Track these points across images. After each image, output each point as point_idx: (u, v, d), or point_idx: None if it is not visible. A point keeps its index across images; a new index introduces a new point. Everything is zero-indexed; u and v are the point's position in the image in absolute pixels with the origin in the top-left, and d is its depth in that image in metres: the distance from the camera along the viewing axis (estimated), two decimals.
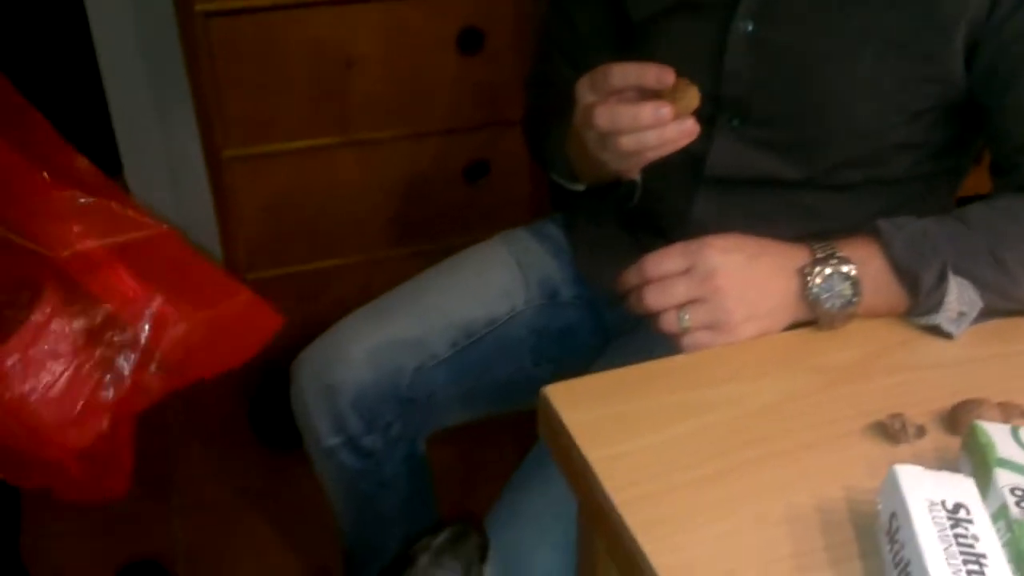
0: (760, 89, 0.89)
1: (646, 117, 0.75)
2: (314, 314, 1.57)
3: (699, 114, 0.93)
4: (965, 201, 0.84)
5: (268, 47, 1.50)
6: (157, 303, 1.02)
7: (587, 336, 1.11)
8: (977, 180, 1.01)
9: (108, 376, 1.00)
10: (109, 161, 2.10)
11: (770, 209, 0.94)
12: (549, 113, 1.05)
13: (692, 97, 0.75)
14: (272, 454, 1.79)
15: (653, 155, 0.78)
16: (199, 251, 1.18)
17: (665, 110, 0.74)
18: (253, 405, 1.84)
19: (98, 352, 0.99)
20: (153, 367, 1.03)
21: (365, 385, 1.04)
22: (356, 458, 1.09)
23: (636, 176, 0.86)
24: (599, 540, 0.69)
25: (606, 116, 0.76)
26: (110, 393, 1.00)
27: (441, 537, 0.72)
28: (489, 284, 1.09)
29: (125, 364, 1.01)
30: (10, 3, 2.00)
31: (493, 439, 1.56)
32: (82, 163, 1.15)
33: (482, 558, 0.73)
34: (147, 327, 1.01)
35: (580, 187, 1.05)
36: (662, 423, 0.66)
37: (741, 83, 0.89)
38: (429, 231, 1.77)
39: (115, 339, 1.00)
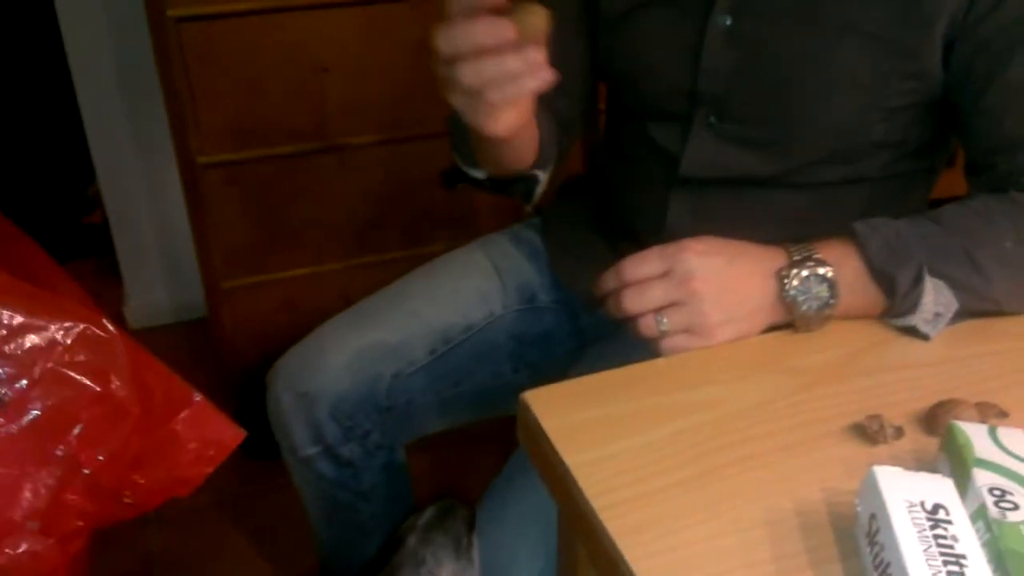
0: (738, 85, 0.89)
1: (483, 35, 0.65)
2: (292, 322, 1.57)
3: (676, 111, 0.94)
4: (939, 203, 0.84)
5: (242, 53, 1.49)
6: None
7: (565, 341, 1.11)
8: (951, 181, 1.02)
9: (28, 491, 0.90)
10: (81, 170, 2.09)
11: (745, 211, 0.94)
12: None
13: (538, 17, 0.66)
14: (250, 462, 1.77)
15: (498, 97, 0.67)
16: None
17: (504, 27, 0.65)
18: (233, 414, 1.82)
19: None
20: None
21: (342, 393, 1.03)
22: (334, 467, 1.08)
23: (499, 132, 0.74)
24: (580, 545, 0.69)
25: (444, 36, 0.66)
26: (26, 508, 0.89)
27: (427, 515, 0.71)
28: (467, 289, 1.09)
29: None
30: None
31: (472, 446, 1.55)
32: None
33: (470, 528, 0.71)
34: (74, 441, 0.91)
35: (480, 174, 0.98)
36: (641, 427, 0.65)
37: (719, 79, 0.89)
38: (407, 237, 1.76)
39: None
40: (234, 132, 1.55)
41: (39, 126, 2.27)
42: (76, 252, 2.36)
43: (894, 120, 0.87)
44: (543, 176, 0.99)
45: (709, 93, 0.90)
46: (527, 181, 0.99)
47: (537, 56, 0.66)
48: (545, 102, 1.03)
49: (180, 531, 1.64)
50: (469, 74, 0.66)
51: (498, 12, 0.66)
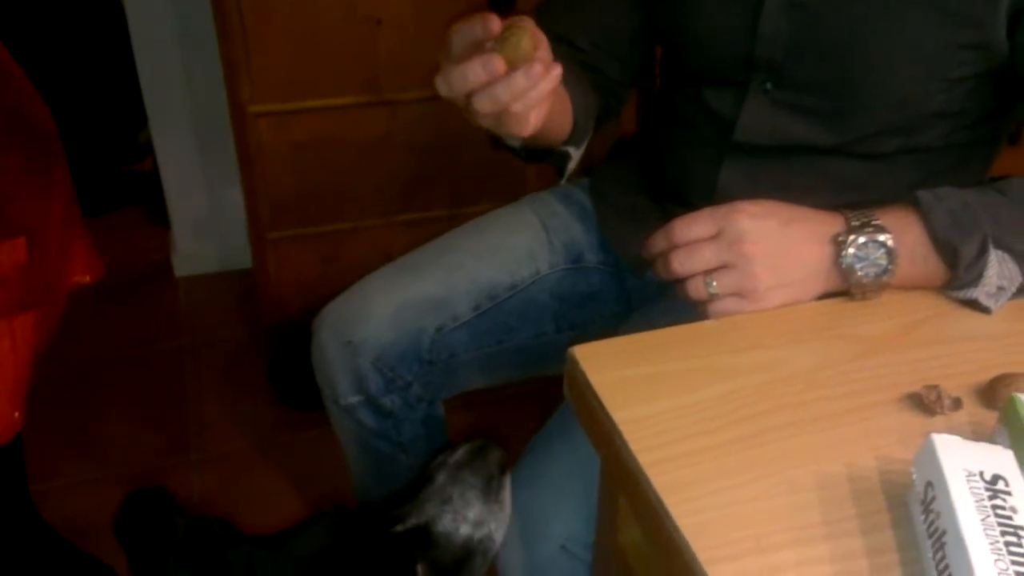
0: (796, 52, 0.87)
1: (475, 75, 0.67)
2: (335, 274, 1.58)
3: (732, 77, 0.92)
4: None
5: (298, 2, 1.49)
6: None
7: (610, 303, 1.10)
8: (1017, 160, 0.99)
9: None
10: (132, 117, 2.11)
11: (799, 178, 0.92)
12: None
13: (518, 42, 0.67)
14: (289, 411, 1.80)
15: (521, 108, 0.70)
16: None
17: (495, 62, 0.67)
18: (274, 363, 1.84)
19: None
20: None
21: (386, 344, 1.03)
22: (375, 417, 1.08)
23: (531, 132, 0.75)
24: (622, 502, 0.69)
25: (442, 83, 0.70)
26: None
27: (459, 453, 0.70)
28: (514, 247, 1.08)
29: None
30: None
31: (512, 405, 1.56)
32: None
33: (502, 471, 0.71)
34: None
35: (515, 143, 0.95)
36: (690, 386, 0.65)
37: (777, 46, 0.87)
38: (452, 195, 1.76)
39: None
40: (286, 82, 1.55)
41: (92, 72, 2.28)
42: (125, 199, 2.39)
43: (954, 91, 0.84)
44: (576, 153, 0.98)
45: (766, 59, 0.88)
46: (559, 155, 0.98)
47: (537, 67, 0.67)
48: (592, 67, 1.02)
49: (219, 477, 1.67)
50: (485, 103, 0.69)
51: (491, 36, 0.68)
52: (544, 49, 0.70)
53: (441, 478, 0.70)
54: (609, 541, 0.74)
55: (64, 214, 1.11)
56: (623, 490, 0.63)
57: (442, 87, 0.70)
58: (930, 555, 0.50)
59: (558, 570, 0.84)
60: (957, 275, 0.73)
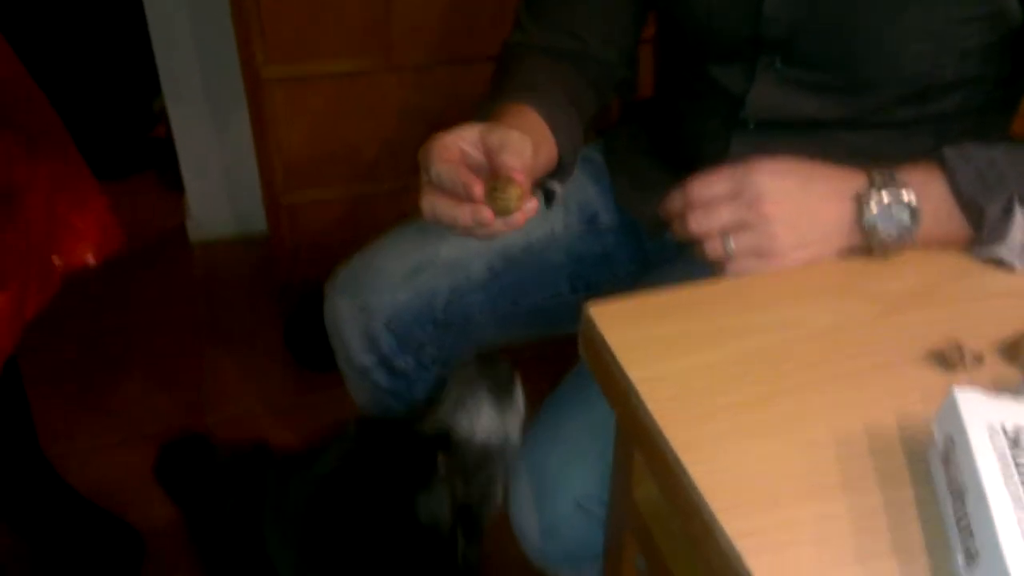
0: (803, 31, 0.85)
1: (464, 219, 0.73)
2: (350, 237, 1.57)
3: (739, 55, 0.90)
4: None
5: None
6: None
7: (626, 263, 1.09)
8: None
9: None
10: (147, 84, 2.10)
11: (812, 149, 0.90)
12: (496, 84, 0.98)
13: (511, 198, 0.72)
14: (306, 373, 1.80)
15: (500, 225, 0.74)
16: None
17: (484, 214, 0.72)
18: (289, 325, 1.85)
19: None
20: None
21: (399, 305, 1.03)
22: (388, 378, 1.08)
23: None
24: (638, 459, 0.69)
25: (428, 208, 0.75)
26: None
27: (469, 367, 0.72)
28: None
29: None
30: None
31: (526, 367, 1.55)
32: None
33: (511, 376, 0.72)
34: None
35: None
36: (707, 345, 0.64)
37: (782, 25, 0.86)
38: None
39: None
40: (299, 46, 1.54)
41: (106, 39, 2.27)
42: (140, 165, 2.39)
43: (967, 61, 0.83)
44: (560, 187, 0.95)
45: (773, 39, 0.87)
46: (544, 190, 0.95)
47: (518, 218, 0.74)
48: (592, 58, 1.00)
49: (235, 437, 1.68)
50: (461, 232, 0.75)
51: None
52: (530, 201, 0.74)
53: (455, 391, 0.72)
54: (624, 498, 0.74)
55: (54, 182, 1.08)
56: (639, 447, 0.62)
57: (427, 210, 0.75)
58: (950, 510, 0.49)
59: (573, 527, 0.84)
60: (981, 234, 0.71)
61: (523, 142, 0.74)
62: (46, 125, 1.12)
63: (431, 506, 0.64)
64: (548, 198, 0.96)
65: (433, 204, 0.75)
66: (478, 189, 0.72)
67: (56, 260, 1.08)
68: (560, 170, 0.91)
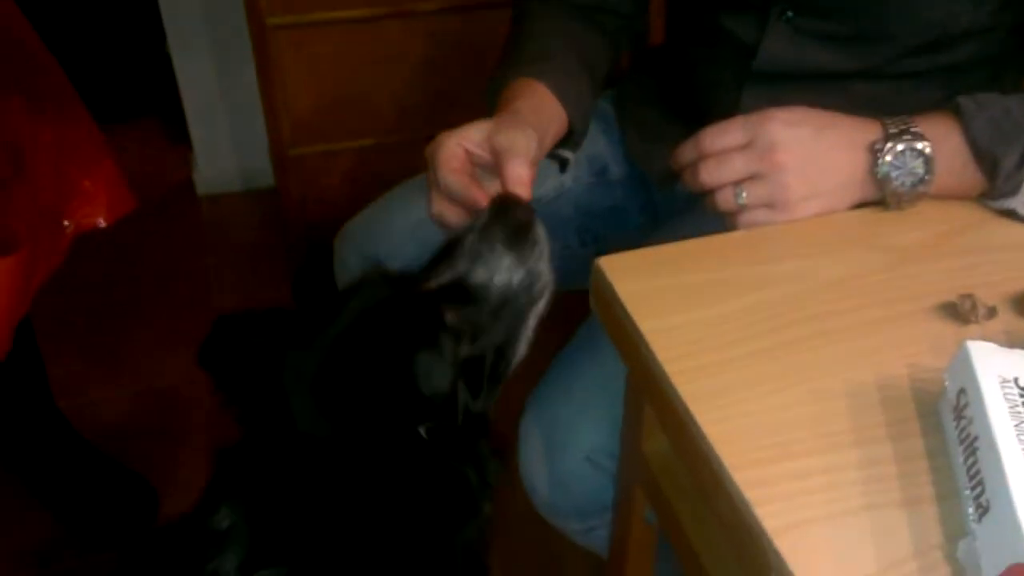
0: None
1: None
2: (358, 191, 1.57)
3: (751, 3, 0.88)
4: None
5: None
6: None
7: (635, 216, 1.08)
8: None
9: None
10: (152, 31, 2.07)
11: (824, 100, 0.89)
12: (509, 49, 0.98)
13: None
14: None
15: None
16: None
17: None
18: (297, 279, 1.85)
19: None
20: None
21: (408, 259, 1.02)
22: None
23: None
24: (648, 411, 0.69)
25: (437, 215, 0.77)
26: None
27: (484, 215, 0.72)
28: None
29: None
30: None
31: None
32: None
33: (529, 217, 0.73)
34: None
35: None
36: (719, 296, 0.64)
37: None
38: (475, 109, 1.72)
39: None
40: None
41: None
42: (148, 108, 2.35)
43: (981, 9, 0.81)
44: (572, 155, 0.95)
45: None
46: (557, 157, 0.95)
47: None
48: (605, 9, 0.99)
49: None
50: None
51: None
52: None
53: (471, 239, 0.71)
54: (634, 451, 0.74)
55: (64, 146, 1.08)
56: (649, 400, 0.63)
57: (435, 216, 0.77)
58: (961, 460, 0.49)
59: (583, 480, 0.84)
60: (996, 185, 0.71)
61: (528, 141, 0.76)
62: (55, 88, 1.11)
63: (429, 363, 0.64)
64: (561, 165, 0.96)
65: (441, 211, 0.77)
66: (485, 203, 0.73)
67: (67, 223, 1.08)
68: (571, 138, 0.92)
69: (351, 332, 0.66)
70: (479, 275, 0.71)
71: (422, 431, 0.63)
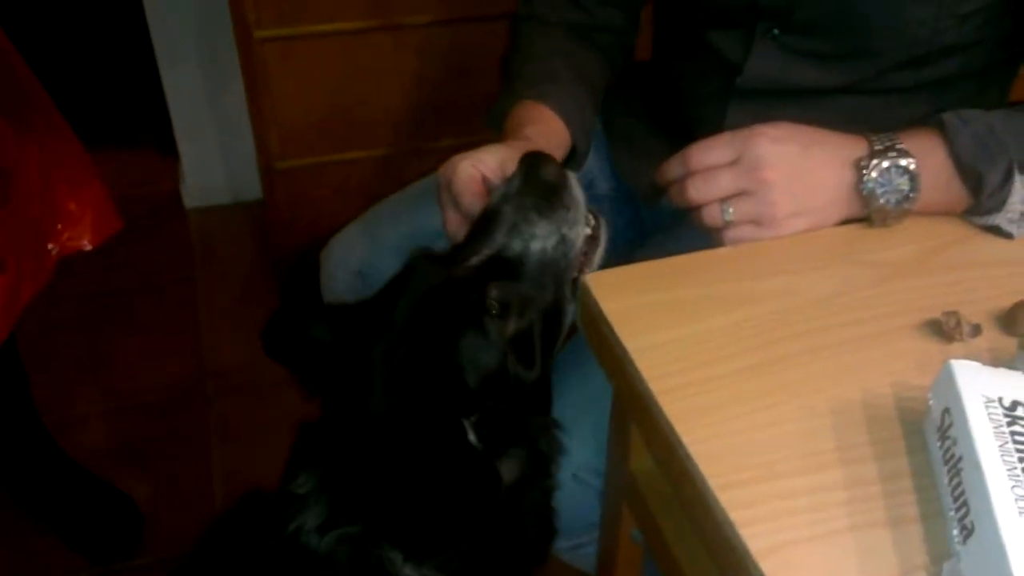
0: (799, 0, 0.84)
1: None
2: (345, 204, 1.56)
3: (736, 21, 0.89)
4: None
5: None
6: None
7: (623, 230, 1.08)
8: None
9: None
10: (139, 42, 2.06)
11: (809, 116, 0.89)
12: (511, 71, 1.00)
13: None
14: None
15: None
16: None
17: None
18: (284, 291, 1.84)
19: None
20: None
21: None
22: None
23: None
24: (634, 431, 0.69)
25: (454, 234, 0.80)
26: None
27: (515, 181, 0.74)
28: None
29: None
30: None
31: None
32: None
33: (561, 175, 0.75)
34: None
35: None
36: (705, 313, 0.63)
37: None
38: (464, 124, 1.72)
39: None
40: (291, 5, 1.51)
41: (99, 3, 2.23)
42: (137, 121, 2.34)
43: (966, 25, 0.81)
44: (575, 174, 0.96)
45: (771, 6, 0.85)
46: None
47: None
48: (598, 27, 1.01)
49: (234, 407, 1.68)
50: None
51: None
52: None
53: (506, 209, 0.73)
54: (620, 469, 0.74)
55: (49, 167, 1.07)
56: (635, 418, 0.62)
57: (452, 232, 0.80)
58: (945, 481, 0.49)
59: (569, 498, 0.84)
60: (980, 201, 0.71)
61: None
62: (42, 111, 1.11)
63: (475, 351, 0.68)
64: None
65: (458, 231, 0.79)
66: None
67: (52, 246, 1.08)
68: (573, 158, 0.93)
69: (410, 324, 0.69)
70: (518, 246, 0.73)
71: (467, 424, 0.66)
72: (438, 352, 0.68)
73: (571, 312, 0.76)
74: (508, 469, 0.66)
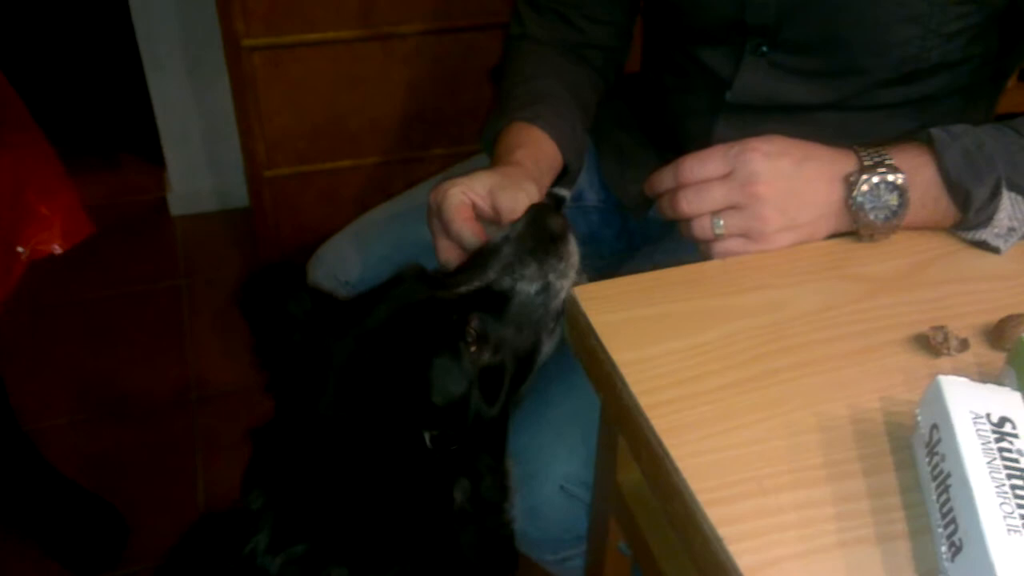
0: (789, 17, 0.85)
1: None
2: (332, 213, 1.56)
3: (725, 39, 0.89)
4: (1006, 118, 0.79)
5: None
6: None
7: (612, 242, 1.08)
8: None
9: None
10: (127, 50, 2.06)
11: (797, 131, 0.90)
12: (504, 92, 0.99)
13: None
14: None
15: None
16: None
17: None
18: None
19: None
20: None
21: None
22: None
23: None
24: (622, 444, 0.68)
25: (445, 260, 0.80)
26: None
27: (519, 224, 0.75)
28: None
29: None
30: None
31: None
32: None
33: (561, 229, 0.75)
34: None
35: None
36: (693, 327, 0.63)
37: (767, 12, 0.85)
38: (451, 134, 1.73)
39: None
40: (280, 14, 1.51)
41: (86, 11, 2.22)
42: (124, 138, 2.33)
43: (952, 43, 0.82)
44: (568, 193, 0.97)
45: (758, 25, 0.86)
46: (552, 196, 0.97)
47: None
48: (589, 46, 1.01)
49: (219, 414, 1.67)
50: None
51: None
52: None
53: (504, 249, 0.74)
54: (608, 482, 0.74)
55: (21, 172, 1.07)
56: (623, 431, 0.62)
57: (444, 261, 0.80)
58: (934, 497, 0.49)
59: (557, 510, 0.84)
60: (968, 216, 0.71)
61: (530, 201, 0.78)
62: (14, 118, 1.10)
63: (445, 371, 0.68)
64: (557, 204, 0.96)
65: (450, 258, 0.80)
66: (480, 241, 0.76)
67: (21, 249, 1.07)
68: (566, 176, 0.93)
69: (383, 329, 0.69)
70: (507, 284, 0.73)
71: (427, 437, 0.65)
72: (408, 362, 0.67)
73: (540, 363, 0.77)
74: (457, 494, 0.67)
